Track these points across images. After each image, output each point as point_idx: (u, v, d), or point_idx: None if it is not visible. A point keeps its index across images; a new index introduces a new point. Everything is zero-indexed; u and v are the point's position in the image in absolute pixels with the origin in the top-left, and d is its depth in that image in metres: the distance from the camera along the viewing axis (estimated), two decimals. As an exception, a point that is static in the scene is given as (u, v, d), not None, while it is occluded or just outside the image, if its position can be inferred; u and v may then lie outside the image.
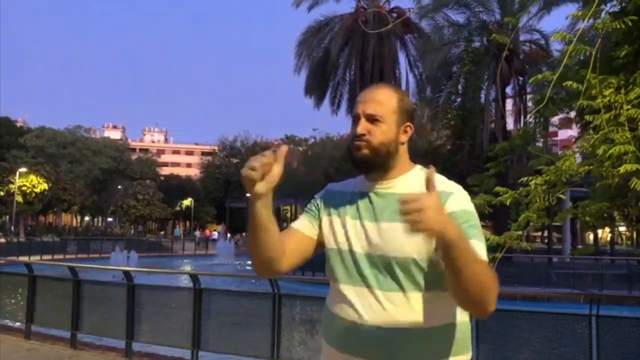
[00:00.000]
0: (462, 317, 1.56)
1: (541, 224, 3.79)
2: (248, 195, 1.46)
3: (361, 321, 1.49)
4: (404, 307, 1.47)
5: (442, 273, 1.41)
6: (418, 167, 1.63)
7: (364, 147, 1.56)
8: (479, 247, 1.42)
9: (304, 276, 13.41)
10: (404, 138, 1.59)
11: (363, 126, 1.56)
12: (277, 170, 1.43)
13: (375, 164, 1.57)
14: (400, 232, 1.45)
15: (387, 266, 1.50)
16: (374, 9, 29.64)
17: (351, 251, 1.56)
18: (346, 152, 1.64)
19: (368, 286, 1.51)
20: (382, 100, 1.58)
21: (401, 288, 1.48)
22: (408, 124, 1.60)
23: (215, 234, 55.22)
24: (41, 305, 7.68)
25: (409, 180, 1.59)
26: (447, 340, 1.50)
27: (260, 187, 1.41)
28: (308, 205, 1.72)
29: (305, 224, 1.67)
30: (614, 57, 3.45)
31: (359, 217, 1.58)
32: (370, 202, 1.59)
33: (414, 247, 1.47)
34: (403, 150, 1.61)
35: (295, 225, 1.68)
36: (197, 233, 58.66)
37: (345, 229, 1.59)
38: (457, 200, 1.50)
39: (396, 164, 1.59)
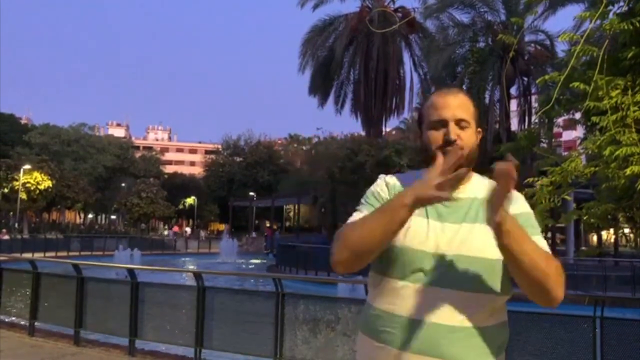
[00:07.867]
0: (506, 318, 1.56)
1: (546, 225, 3.78)
2: (409, 199, 1.37)
3: (429, 319, 1.43)
4: (472, 307, 1.44)
5: (507, 275, 1.47)
6: (474, 173, 1.60)
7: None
8: (542, 242, 1.47)
9: (307, 275, 13.40)
10: (477, 142, 1.57)
11: (455, 132, 1.51)
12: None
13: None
14: (484, 233, 1.43)
15: (470, 267, 1.45)
16: (379, 9, 29.60)
17: (430, 252, 1.48)
18: (423, 158, 1.55)
19: (441, 285, 1.45)
20: (465, 105, 1.56)
21: (474, 289, 1.45)
22: (479, 128, 1.60)
23: (188, 230, 61.44)
24: (45, 302, 7.71)
25: (474, 183, 1.57)
26: (497, 339, 1.50)
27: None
28: (370, 199, 1.57)
29: None
30: (621, 59, 3.44)
31: (436, 218, 1.52)
32: (443, 203, 1.48)
33: (497, 248, 1.47)
34: None
35: None
36: (202, 233, 59.02)
37: (423, 229, 1.50)
38: (522, 202, 1.56)
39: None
